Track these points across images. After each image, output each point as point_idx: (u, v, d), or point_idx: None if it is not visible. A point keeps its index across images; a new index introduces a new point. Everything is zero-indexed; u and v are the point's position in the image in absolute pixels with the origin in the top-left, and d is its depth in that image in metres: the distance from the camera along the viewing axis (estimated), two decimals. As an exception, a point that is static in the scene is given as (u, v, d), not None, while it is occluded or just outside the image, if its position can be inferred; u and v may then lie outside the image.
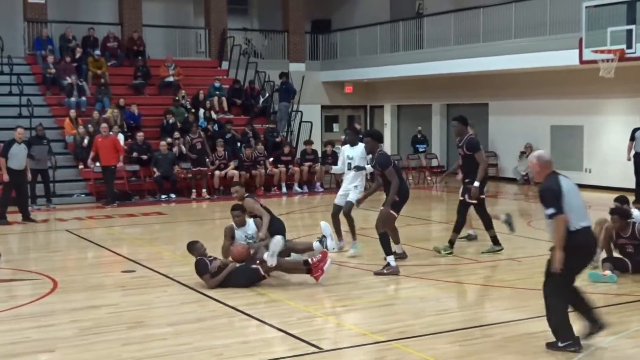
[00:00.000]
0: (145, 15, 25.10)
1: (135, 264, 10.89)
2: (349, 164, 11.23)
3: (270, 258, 9.12)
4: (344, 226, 11.46)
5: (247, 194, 10.46)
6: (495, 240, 11.31)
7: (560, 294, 6.72)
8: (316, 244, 9.72)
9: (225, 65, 25.56)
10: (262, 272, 9.15)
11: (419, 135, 24.53)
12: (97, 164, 18.08)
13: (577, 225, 6.59)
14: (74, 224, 15.31)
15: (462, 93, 24.36)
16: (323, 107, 27.83)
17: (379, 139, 10.44)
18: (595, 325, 6.92)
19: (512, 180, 22.45)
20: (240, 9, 29.14)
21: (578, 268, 6.80)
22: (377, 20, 26.30)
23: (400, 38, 25.13)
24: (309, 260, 9.28)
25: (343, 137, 12.34)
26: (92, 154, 18.08)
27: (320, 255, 9.26)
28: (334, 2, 29.52)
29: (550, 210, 6.50)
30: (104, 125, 18.31)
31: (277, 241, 9.23)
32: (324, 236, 9.74)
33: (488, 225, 11.25)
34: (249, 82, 24.35)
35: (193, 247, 9.50)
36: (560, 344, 6.74)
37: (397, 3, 27.75)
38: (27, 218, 15.37)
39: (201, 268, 9.25)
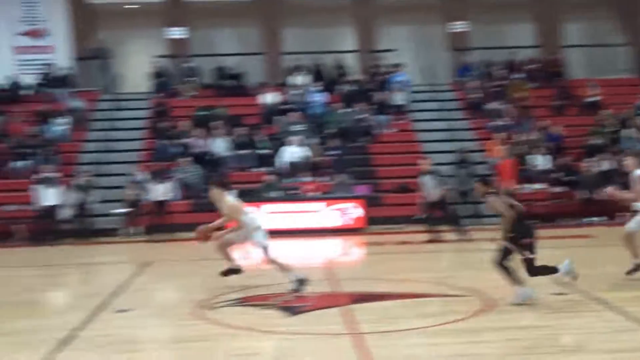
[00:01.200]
0: (565, 36, 24.84)
1: (565, 286, 10.64)
2: None
3: None
4: None
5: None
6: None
7: None
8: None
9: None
10: None
11: None
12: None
13: None
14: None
15: None
16: None
17: None
18: None
19: None
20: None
21: None
22: None
23: None
24: None
25: None
26: (496, 179, 18.21)
27: None
28: None
29: None
30: (501, 147, 18.67)
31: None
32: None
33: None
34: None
35: None
36: None
37: None
38: (459, 237, 16.29)
39: None
